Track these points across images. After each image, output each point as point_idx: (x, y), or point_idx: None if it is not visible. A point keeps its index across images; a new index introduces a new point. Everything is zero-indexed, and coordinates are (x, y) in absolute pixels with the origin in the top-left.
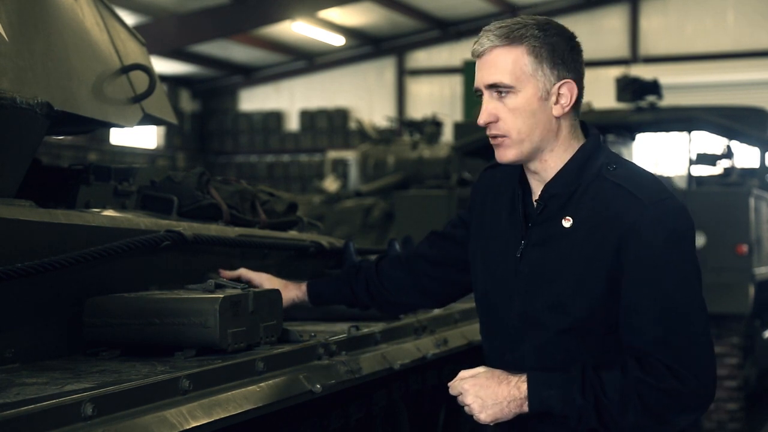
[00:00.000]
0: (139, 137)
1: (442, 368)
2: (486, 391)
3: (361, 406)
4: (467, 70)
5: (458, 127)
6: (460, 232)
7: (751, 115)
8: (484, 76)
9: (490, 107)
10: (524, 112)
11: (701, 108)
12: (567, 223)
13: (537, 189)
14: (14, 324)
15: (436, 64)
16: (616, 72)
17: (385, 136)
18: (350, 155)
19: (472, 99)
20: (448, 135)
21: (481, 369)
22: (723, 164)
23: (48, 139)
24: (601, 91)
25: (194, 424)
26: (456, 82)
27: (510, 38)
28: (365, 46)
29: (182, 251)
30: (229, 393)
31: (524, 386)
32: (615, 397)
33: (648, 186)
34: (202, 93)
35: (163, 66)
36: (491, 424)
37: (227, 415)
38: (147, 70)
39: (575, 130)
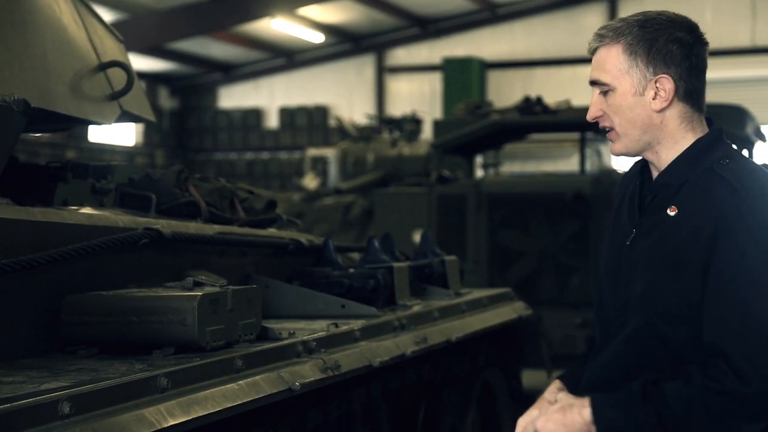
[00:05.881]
0: (117, 135)
1: (421, 366)
2: (555, 425)
3: (341, 403)
4: (447, 68)
5: (438, 125)
6: None
7: (730, 113)
8: (590, 73)
9: (596, 102)
10: (621, 108)
11: None
12: (672, 212)
13: None
14: None
15: (416, 61)
16: None
17: (364, 134)
18: (330, 153)
19: (452, 96)
20: (427, 132)
21: (536, 406)
22: None
23: (25, 136)
24: (580, 89)
25: (172, 423)
26: (436, 80)
27: (609, 37)
28: (345, 43)
29: (161, 249)
30: (208, 391)
31: (586, 411)
32: (679, 409)
33: (753, 181)
34: (180, 90)
35: (141, 63)
36: None
37: (205, 413)
38: (125, 67)
39: (689, 123)
